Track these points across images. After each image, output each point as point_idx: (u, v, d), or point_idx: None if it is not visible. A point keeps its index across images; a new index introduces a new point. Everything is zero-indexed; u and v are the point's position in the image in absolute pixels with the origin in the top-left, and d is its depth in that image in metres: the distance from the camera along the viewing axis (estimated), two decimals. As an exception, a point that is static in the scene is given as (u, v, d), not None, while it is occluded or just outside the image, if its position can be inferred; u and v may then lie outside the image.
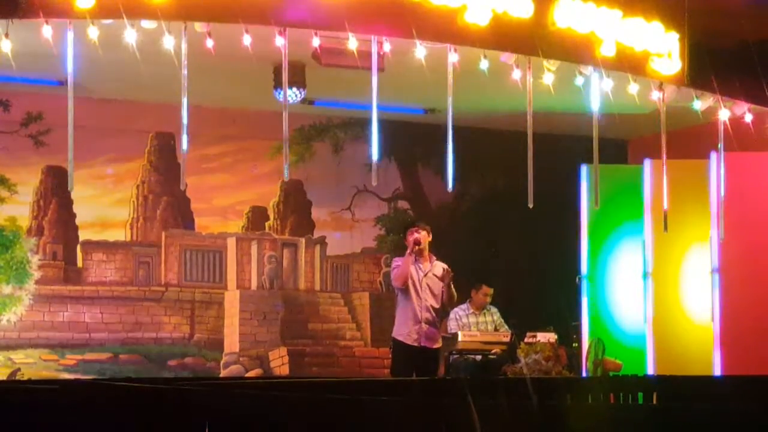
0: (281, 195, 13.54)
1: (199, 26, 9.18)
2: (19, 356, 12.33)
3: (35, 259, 12.42)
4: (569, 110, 11.82)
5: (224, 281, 13.25)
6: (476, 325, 11.79)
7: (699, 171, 12.13)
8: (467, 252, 12.93)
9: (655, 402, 9.32)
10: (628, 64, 10.54)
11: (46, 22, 8.93)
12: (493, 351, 11.23)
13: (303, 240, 13.58)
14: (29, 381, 11.42)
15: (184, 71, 9.18)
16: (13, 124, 12.37)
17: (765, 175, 12.35)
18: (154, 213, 13.03)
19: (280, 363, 13.26)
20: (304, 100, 11.37)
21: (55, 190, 12.53)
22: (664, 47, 10.74)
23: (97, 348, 12.60)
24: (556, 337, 11.24)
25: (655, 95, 10.97)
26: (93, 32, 8.99)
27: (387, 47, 9.62)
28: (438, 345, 10.90)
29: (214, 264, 13.22)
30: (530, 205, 10.25)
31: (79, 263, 12.70)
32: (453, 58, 9.81)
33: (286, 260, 13.50)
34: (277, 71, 10.51)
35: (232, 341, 13.16)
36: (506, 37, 9.87)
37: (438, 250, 11.08)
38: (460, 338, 11.18)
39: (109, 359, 12.63)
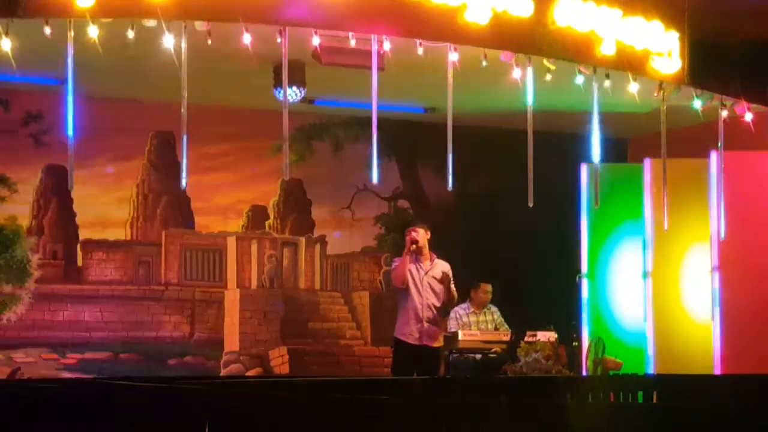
0: (281, 194, 13.53)
1: (199, 25, 9.17)
2: (19, 355, 12.32)
3: (35, 258, 12.41)
4: (569, 109, 11.81)
5: (224, 280, 13.24)
6: (476, 325, 11.83)
7: (699, 170, 12.13)
8: (467, 251, 12.91)
9: (655, 401, 9.32)
10: (628, 63, 10.54)
11: (46, 22, 8.92)
12: (493, 350, 11.25)
13: (303, 239, 13.57)
14: (29, 380, 11.43)
15: (184, 70, 9.18)
16: (13, 124, 12.36)
17: (765, 174, 12.35)
18: (154, 212, 13.02)
19: (280, 362, 13.26)
20: (304, 99, 11.36)
21: (55, 190, 12.51)
22: (664, 46, 10.74)
23: (97, 347, 12.59)
24: (556, 336, 11.24)
25: (656, 94, 10.99)
26: (93, 32, 8.98)
27: (387, 46, 9.62)
28: (439, 343, 10.93)
29: (214, 263, 13.22)
30: (530, 204, 10.24)
31: (79, 262, 12.69)
32: (453, 57, 9.81)
33: (286, 259, 13.49)
34: (277, 70, 10.50)
35: (232, 340, 13.15)
36: (506, 36, 9.86)
37: (438, 249, 11.10)
38: (460, 337, 11.20)
39: (109, 358, 12.62)
